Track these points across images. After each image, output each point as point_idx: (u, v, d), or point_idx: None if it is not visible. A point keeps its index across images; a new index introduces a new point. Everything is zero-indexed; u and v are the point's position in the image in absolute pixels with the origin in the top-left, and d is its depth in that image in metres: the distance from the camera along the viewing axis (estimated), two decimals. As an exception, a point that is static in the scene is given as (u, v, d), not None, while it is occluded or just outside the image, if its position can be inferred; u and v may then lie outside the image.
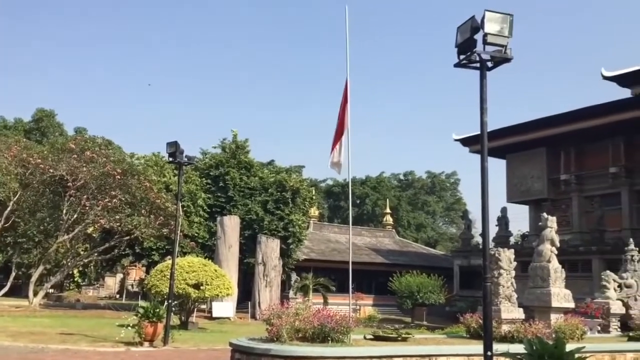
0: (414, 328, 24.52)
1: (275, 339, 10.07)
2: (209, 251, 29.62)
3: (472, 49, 7.71)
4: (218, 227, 28.55)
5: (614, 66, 29.53)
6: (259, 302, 27.12)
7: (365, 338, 11.56)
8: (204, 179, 33.32)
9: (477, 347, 9.03)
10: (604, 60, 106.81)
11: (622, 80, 28.94)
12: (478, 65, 7.88)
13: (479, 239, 39.89)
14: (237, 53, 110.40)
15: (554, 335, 10.83)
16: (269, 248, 28.57)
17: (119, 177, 24.98)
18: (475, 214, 49.11)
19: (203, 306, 25.80)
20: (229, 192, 32.81)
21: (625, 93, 29.44)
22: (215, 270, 21.50)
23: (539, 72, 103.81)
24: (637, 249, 22.12)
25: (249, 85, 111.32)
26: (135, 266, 43.62)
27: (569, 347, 6.92)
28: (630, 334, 14.87)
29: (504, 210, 39.53)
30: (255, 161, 36.10)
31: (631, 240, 23.20)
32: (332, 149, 13.90)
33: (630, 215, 33.05)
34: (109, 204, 24.95)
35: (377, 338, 11.50)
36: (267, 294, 27.70)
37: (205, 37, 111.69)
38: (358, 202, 65.67)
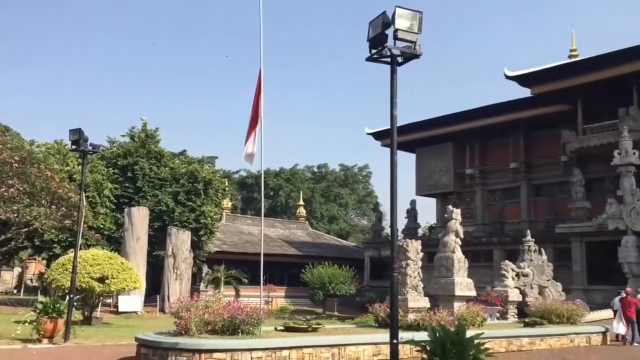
0: (325, 319, 24.84)
1: (183, 332, 9.87)
2: (116, 243, 28.56)
3: (383, 44, 7.84)
4: (125, 218, 27.59)
5: (518, 66, 31.18)
6: (168, 296, 26.50)
7: (276, 329, 11.57)
8: (110, 168, 32.02)
9: (385, 335, 9.27)
10: (510, 60, 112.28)
11: (522, 80, 30.60)
12: (389, 60, 8.03)
13: (389, 231, 40.93)
14: (149, 41, 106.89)
15: (456, 323, 11.30)
16: (180, 240, 27.96)
17: (16, 165, 23.46)
18: (386, 207, 50.35)
19: (109, 300, 24.88)
20: (137, 183, 31.74)
21: (526, 92, 31.18)
22: (122, 263, 20.78)
23: (448, 69, 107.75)
24: (534, 240, 23.52)
25: (161, 74, 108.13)
26: (35, 259, 41.33)
27: (470, 333, 7.25)
28: (526, 320, 15.83)
29: (413, 202, 40.82)
30: (166, 151, 35.12)
31: (528, 231, 24.65)
32: (247, 140, 13.71)
33: (528, 208, 35.11)
34: (6, 193, 23.39)
35: (288, 329, 11.55)
36: (177, 287, 27.11)
37: (115, 24, 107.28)
38: (272, 193, 65.61)
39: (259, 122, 13.35)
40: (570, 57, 35.09)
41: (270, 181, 64.51)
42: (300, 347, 10.14)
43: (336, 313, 30.62)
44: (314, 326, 11.86)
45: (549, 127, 33.00)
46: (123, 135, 34.45)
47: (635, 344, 16.18)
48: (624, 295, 17.30)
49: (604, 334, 15.77)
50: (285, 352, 9.89)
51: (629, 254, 24.15)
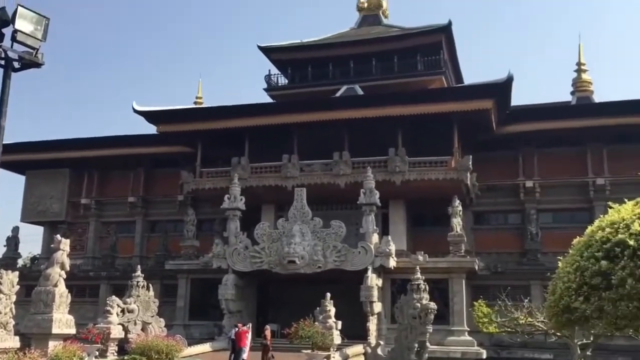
0: None
1: None
2: None
3: (-2, 43, 6.86)
4: None
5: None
6: None
7: None
8: None
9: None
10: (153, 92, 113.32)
11: (149, 116, 31.16)
12: (3, 62, 7.05)
13: (-19, 260, 35.71)
14: None
15: (49, 364, 10.29)
16: None
17: None
18: (-19, 232, 44.20)
19: None
20: None
21: (154, 129, 31.77)
22: None
23: (72, 93, 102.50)
24: (143, 275, 23.51)
25: None
26: None
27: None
28: (125, 357, 15.54)
29: (15, 229, 36.74)
30: None
31: (139, 266, 24.52)
32: None
33: (141, 243, 35.31)
34: None
35: None
36: None
37: None
38: None
39: None
40: (195, 103, 37.40)
41: None
42: None
43: None
44: None
45: (170, 166, 34.20)
46: None
47: None
48: (237, 328, 19.49)
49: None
50: None
51: (228, 291, 26.27)
